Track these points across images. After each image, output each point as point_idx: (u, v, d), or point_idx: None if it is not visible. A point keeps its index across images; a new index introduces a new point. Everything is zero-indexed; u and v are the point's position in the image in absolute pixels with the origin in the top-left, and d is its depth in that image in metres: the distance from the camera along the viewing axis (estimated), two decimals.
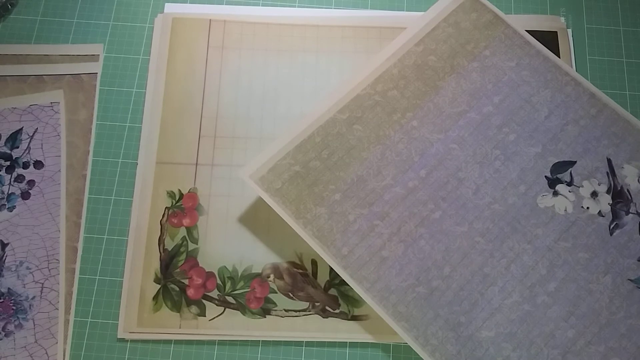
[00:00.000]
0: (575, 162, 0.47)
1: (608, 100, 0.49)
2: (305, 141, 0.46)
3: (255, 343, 0.44)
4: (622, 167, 0.47)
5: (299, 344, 0.44)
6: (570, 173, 0.47)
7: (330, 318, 0.45)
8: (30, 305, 0.45)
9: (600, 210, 0.46)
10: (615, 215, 0.46)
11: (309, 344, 0.44)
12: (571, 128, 0.48)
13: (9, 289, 0.45)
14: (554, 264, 0.44)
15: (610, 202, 0.46)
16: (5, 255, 0.46)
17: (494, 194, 0.46)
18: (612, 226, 0.46)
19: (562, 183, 0.47)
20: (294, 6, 0.53)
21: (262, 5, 0.53)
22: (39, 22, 0.53)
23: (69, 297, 0.45)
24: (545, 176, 0.47)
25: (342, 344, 0.44)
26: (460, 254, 0.44)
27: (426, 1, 0.54)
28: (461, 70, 0.49)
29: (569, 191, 0.46)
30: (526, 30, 0.52)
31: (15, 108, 0.50)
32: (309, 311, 0.45)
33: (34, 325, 0.44)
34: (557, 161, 0.47)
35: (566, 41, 0.52)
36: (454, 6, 0.51)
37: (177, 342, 0.44)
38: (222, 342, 0.44)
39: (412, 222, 0.45)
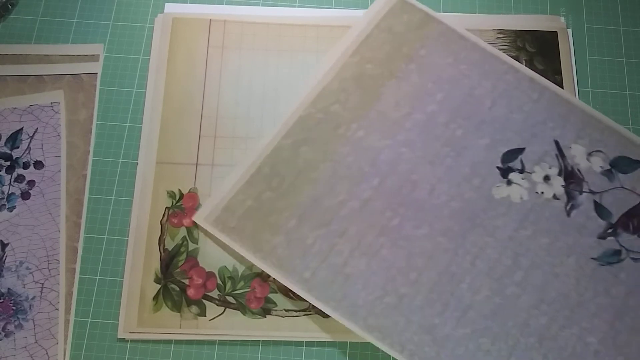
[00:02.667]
0: (524, 148, 0.47)
1: (547, 83, 0.49)
2: (254, 174, 0.46)
3: (255, 343, 0.44)
4: (570, 148, 0.48)
5: (299, 344, 0.44)
6: (521, 160, 0.47)
7: (330, 318, 0.45)
8: (30, 305, 0.45)
9: (554, 194, 0.46)
10: (569, 197, 0.46)
11: (309, 343, 0.44)
12: (516, 115, 0.48)
13: (8, 289, 0.45)
14: (518, 254, 0.44)
15: (563, 183, 0.47)
16: (5, 255, 0.46)
17: (449, 192, 0.46)
18: (568, 207, 0.46)
19: (514, 171, 0.47)
20: (294, 6, 0.53)
21: (262, 5, 0.53)
22: (39, 22, 0.53)
23: (69, 297, 0.45)
24: (497, 166, 0.47)
25: (343, 344, 0.44)
26: (424, 257, 0.44)
27: (426, 2, 0.53)
28: (400, 73, 0.49)
29: (522, 178, 0.47)
30: (526, 30, 0.52)
31: (15, 108, 0.50)
32: (309, 311, 0.45)
33: (34, 325, 0.44)
34: (506, 150, 0.47)
35: (566, 41, 0.52)
36: (384, 12, 0.51)
37: (177, 342, 0.44)
38: (222, 342, 0.44)
39: (372, 234, 0.45)
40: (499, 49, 0.52)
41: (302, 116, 0.47)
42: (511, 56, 0.51)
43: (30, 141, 0.49)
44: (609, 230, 0.45)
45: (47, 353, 0.44)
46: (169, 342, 0.44)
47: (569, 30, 0.53)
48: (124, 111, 0.50)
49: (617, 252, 0.45)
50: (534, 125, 0.48)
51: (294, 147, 0.46)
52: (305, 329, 0.44)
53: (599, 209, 0.46)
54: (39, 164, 0.48)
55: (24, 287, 0.45)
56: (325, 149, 0.47)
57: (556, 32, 0.53)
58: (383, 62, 0.49)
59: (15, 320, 0.44)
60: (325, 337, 0.44)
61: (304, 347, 0.44)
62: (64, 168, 0.48)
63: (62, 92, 0.50)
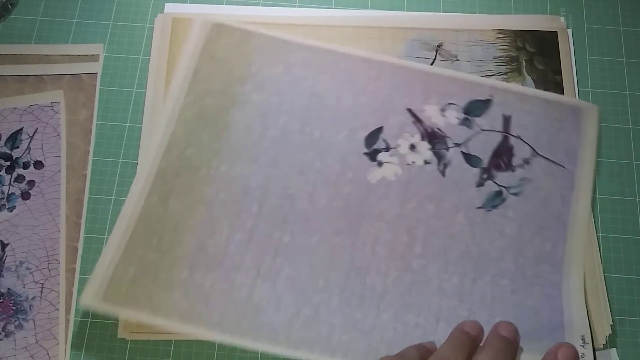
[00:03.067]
0: (382, 127, 0.48)
1: (381, 56, 0.50)
2: (130, 240, 0.44)
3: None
4: (423, 110, 0.48)
5: None
6: (383, 139, 0.48)
7: None
8: (30, 305, 0.45)
9: (424, 159, 0.47)
10: (439, 157, 0.47)
11: None
12: (363, 98, 0.49)
13: (8, 289, 0.45)
14: (411, 228, 0.45)
15: (429, 147, 0.47)
16: (5, 255, 0.46)
17: (327, 194, 0.46)
18: (440, 168, 0.47)
19: (381, 151, 0.47)
20: (294, 6, 0.53)
21: (262, 5, 0.53)
22: (39, 22, 0.53)
23: (70, 297, 0.45)
24: (364, 152, 0.47)
25: None
26: (326, 261, 0.44)
27: (426, 2, 0.54)
28: (240, 97, 0.48)
29: (390, 155, 0.47)
30: (526, 30, 0.52)
31: (15, 108, 0.50)
32: None
33: (35, 325, 0.44)
34: (366, 134, 0.48)
35: (566, 41, 0.52)
36: (202, 42, 0.50)
37: (178, 342, 0.44)
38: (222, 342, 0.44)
39: (268, 258, 0.44)
40: (499, 49, 0.52)
41: (159, 170, 0.46)
42: (511, 56, 0.52)
43: (30, 141, 0.49)
44: (484, 176, 0.47)
45: (48, 353, 0.43)
46: (169, 342, 0.44)
47: (569, 31, 0.53)
48: (124, 111, 0.50)
49: (498, 194, 0.46)
50: (382, 102, 0.49)
51: (161, 202, 0.45)
52: None
53: (469, 158, 0.47)
54: (39, 164, 0.48)
55: (24, 287, 0.45)
56: (193, 195, 0.45)
57: (556, 32, 0.53)
58: (219, 92, 0.48)
59: (15, 321, 0.44)
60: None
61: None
62: (64, 168, 0.48)
63: (62, 92, 0.50)
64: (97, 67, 0.51)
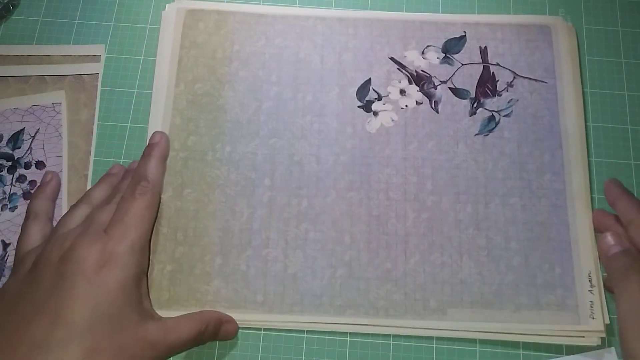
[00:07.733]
0: (370, 78, 0.50)
1: (354, 14, 0.52)
2: (156, 240, 0.45)
3: (256, 338, 0.44)
4: (405, 57, 0.51)
5: (300, 332, 0.44)
6: (373, 89, 0.50)
7: None
8: None
9: (416, 101, 0.49)
10: (429, 96, 0.50)
11: (310, 332, 0.44)
12: (346, 56, 0.51)
13: None
14: (418, 167, 0.47)
15: (417, 88, 0.50)
16: (6, 255, 0.46)
17: (333, 151, 0.48)
18: (433, 105, 0.49)
19: (374, 102, 0.49)
20: (295, 5, 0.54)
21: (262, 4, 0.54)
22: (40, 23, 0.53)
23: None
24: (358, 106, 0.49)
25: (343, 334, 0.44)
26: (346, 217, 0.46)
27: (425, 2, 0.54)
28: (229, 77, 0.50)
29: (383, 104, 0.49)
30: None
31: (17, 108, 0.50)
32: None
33: None
34: (356, 88, 0.50)
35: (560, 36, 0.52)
36: (180, 30, 0.51)
37: None
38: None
39: (291, 226, 0.46)
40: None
41: (167, 164, 0.47)
42: None
43: (31, 141, 0.49)
44: (474, 105, 0.49)
45: None
46: None
47: None
48: (125, 112, 0.50)
49: (492, 118, 0.49)
50: (365, 55, 0.51)
51: (176, 194, 0.46)
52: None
53: (457, 92, 0.50)
54: (40, 164, 0.49)
55: None
56: (205, 180, 0.47)
57: (549, 27, 0.53)
58: (207, 76, 0.50)
59: None
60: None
61: (305, 335, 0.44)
62: (66, 168, 0.48)
63: (64, 92, 0.50)
64: (98, 68, 0.51)
